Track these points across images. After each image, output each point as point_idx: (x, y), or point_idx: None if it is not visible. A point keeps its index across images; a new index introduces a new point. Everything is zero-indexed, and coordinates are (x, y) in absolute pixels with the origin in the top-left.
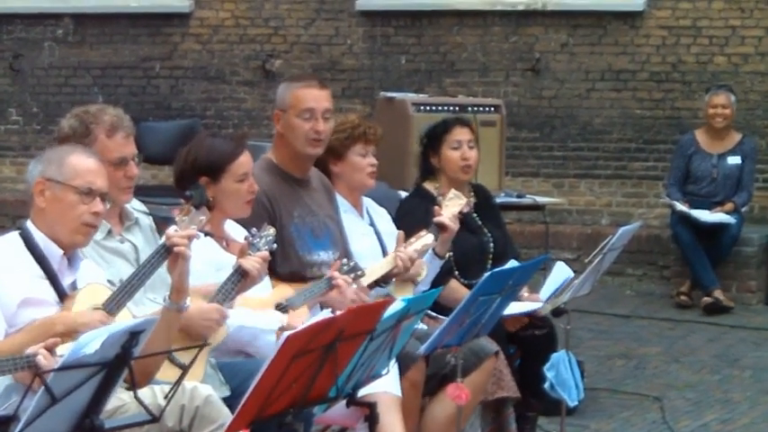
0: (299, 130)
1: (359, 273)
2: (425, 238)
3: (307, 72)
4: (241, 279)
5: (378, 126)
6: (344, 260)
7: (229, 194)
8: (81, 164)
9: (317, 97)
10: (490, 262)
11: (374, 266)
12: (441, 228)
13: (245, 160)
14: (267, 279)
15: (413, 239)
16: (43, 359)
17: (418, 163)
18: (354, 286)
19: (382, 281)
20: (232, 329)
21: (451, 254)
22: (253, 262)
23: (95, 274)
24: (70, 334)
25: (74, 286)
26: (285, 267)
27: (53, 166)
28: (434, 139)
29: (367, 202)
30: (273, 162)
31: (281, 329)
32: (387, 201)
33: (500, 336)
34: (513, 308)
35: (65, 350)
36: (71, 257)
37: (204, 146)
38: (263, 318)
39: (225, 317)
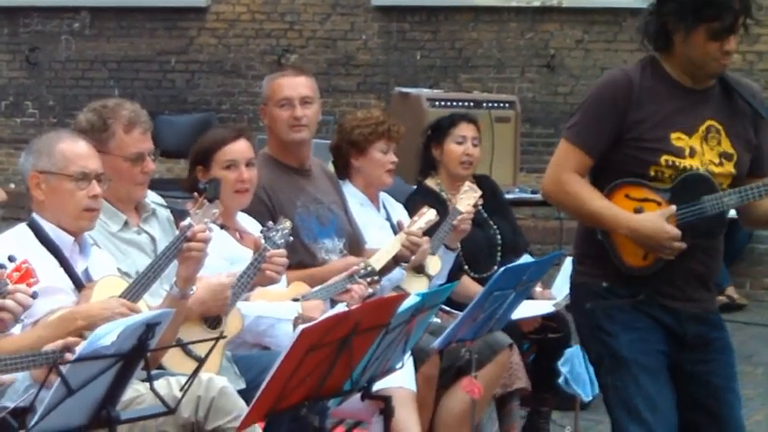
0: (279, 119)
1: (375, 278)
2: (428, 214)
3: (321, 67)
4: (258, 272)
5: (401, 124)
6: (362, 264)
7: None
8: (71, 150)
9: (291, 85)
10: (499, 255)
11: (381, 252)
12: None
13: (234, 148)
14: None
15: (415, 218)
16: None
17: (419, 157)
18: (370, 290)
19: (393, 264)
20: (250, 320)
21: (460, 249)
22: (276, 268)
23: (106, 260)
24: (91, 328)
25: (87, 273)
26: (293, 258)
27: (44, 157)
28: (439, 131)
29: (383, 196)
30: (269, 154)
31: (297, 319)
32: (401, 195)
33: (514, 332)
34: (527, 308)
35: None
36: (81, 243)
37: (204, 136)
38: (280, 308)
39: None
